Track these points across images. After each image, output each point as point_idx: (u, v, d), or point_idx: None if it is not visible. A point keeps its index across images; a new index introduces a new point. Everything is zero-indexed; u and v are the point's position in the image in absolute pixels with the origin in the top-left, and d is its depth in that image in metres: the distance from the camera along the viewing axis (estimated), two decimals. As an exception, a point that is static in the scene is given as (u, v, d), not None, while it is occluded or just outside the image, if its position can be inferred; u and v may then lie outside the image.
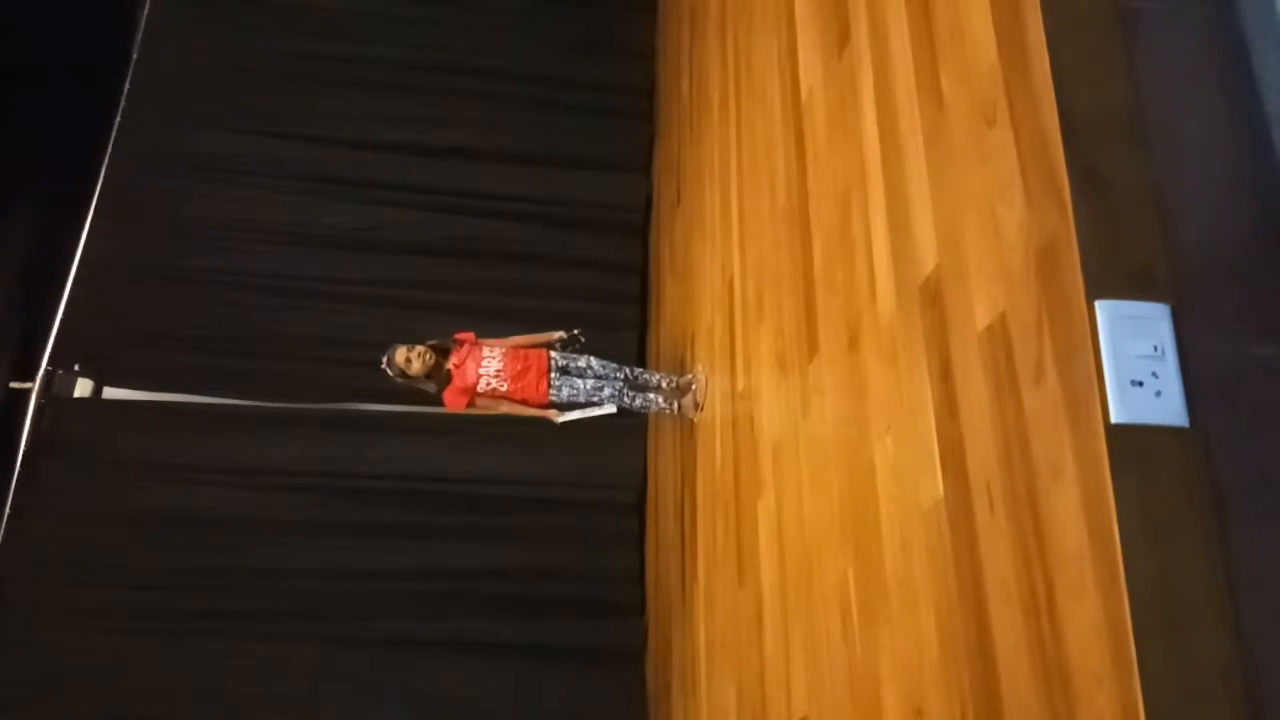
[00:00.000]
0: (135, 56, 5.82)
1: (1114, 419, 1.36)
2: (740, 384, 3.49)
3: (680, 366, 4.52)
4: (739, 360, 3.52)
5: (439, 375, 4.08)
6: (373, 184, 5.72)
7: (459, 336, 4.15)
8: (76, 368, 5.23)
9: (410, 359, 4.00)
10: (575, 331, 4.23)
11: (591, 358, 4.22)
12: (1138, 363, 1.38)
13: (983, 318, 1.72)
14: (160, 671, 4.68)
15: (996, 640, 1.61)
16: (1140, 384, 1.37)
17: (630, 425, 5.14)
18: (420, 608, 4.96)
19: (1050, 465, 1.48)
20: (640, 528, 5.25)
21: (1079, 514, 1.40)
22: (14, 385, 5.11)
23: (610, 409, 4.18)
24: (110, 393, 5.31)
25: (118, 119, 5.67)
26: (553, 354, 4.15)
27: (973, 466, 1.72)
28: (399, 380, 4.09)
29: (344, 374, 5.29)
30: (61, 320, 5.25)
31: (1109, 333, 1.39)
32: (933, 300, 1.94)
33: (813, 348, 2.67)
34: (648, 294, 5.68)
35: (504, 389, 4.06)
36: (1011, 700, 1.56)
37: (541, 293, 5.57)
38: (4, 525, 4.82)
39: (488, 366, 4.06)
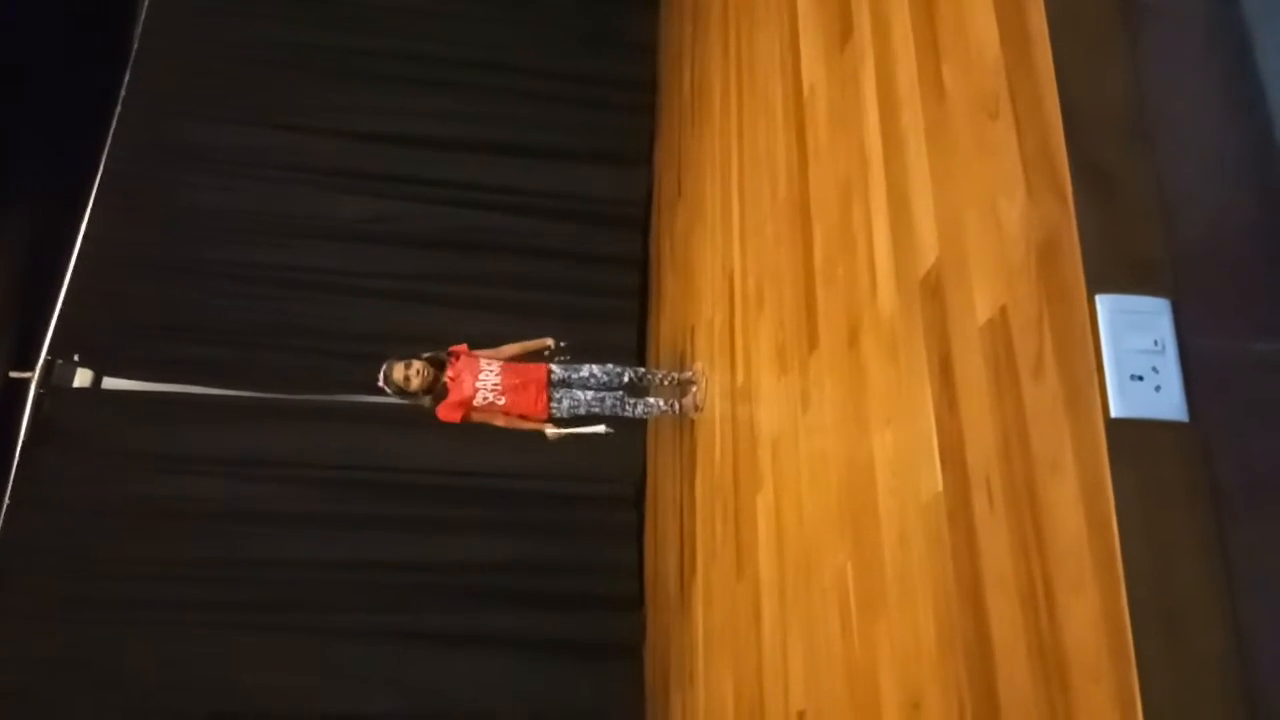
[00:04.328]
0: (135, 47, 5.82)
1: (1113, 413, 1.36)
2: (740, 378, 3.48)
3: (680, 361, 4.52)
4: (739, 354, 3.52)
5: (435, 389, 4.05)
6: (373, 176, 5.71)
7: (453, 349, 4.12)
8: (76, 358, 5.23)
9: (409, 376, 3.98)
10: (562, 344, 4.19)
11: (592, 365, 4.19)
12: (1138, 357, 1.37)
13: (983, 311, 1.72)
14: (159, 662, 4.69)
15: (994, 634, 1.61)
16: (1140, 378, 1.36)
17: (630, 419, 5.13)
18: (419, 600, 4.96)
19: (1049, 459, 1.48)
20: (639, 521, 5.25)
21: (1078, 508, 1.40)
22: (13, 374, 5.11)
23: (605, 430, 4.14)
24: (110, 383, 5.31)
25: (118, 109, 5.66)
26: (552, 367, 4.13)
27: (972, 460, 1.72)
28: (395, 396, 4.07)
29: (343, 366, 5.29)
30: (61, 310, 5.25)
31: (1109, 327, 1.39)
32: (933, 294, 1.93)
33: (813, 341, 2.66)
34: (648, 287, 5.68)
35: (501, 403, 4.03)
36: (1009, 694, 1.56)
37: (541, 285, 5.57)
38: (3, 515, 4.82)
39: (485, 380, 4.03)
